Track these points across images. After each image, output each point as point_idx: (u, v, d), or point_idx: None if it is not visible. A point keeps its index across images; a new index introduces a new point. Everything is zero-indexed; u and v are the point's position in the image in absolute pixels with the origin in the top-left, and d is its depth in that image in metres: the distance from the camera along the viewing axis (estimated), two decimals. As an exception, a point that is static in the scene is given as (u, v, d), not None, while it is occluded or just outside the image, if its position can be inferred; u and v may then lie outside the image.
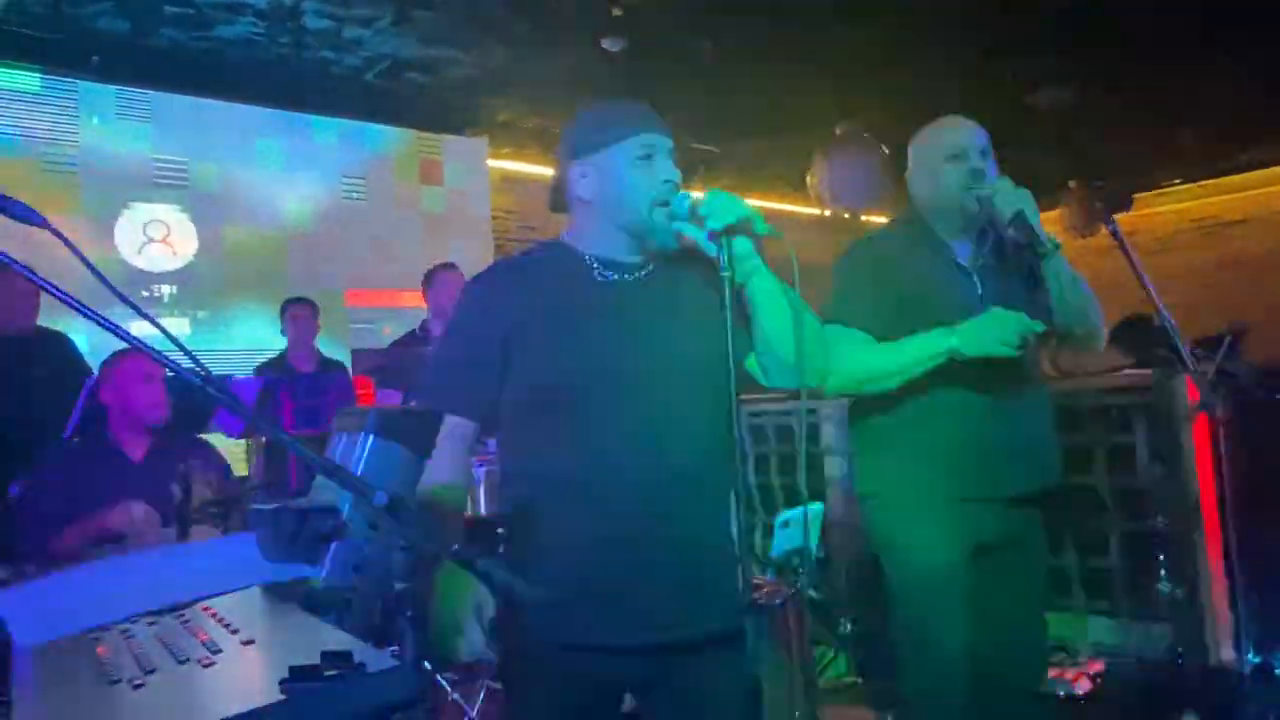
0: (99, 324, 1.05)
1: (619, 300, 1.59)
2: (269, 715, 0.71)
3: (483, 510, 3.32)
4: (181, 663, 0.86)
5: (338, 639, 0.87)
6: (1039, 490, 2.13)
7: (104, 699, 0.80)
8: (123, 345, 2.91)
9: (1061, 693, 3.27)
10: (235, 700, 0.74)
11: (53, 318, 4.04)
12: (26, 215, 1.06)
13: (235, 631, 0.95)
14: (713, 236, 1.51)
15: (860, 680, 3.61)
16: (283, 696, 0.73)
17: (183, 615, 1.06)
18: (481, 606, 1.48)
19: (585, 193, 1.62)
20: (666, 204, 1.57)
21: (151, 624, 1.03)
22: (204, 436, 3.37)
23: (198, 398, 3.73)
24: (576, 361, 1.54)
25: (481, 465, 3.28)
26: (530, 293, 1.59)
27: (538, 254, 1.70)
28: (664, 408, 1.53)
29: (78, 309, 1.05)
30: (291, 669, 0.75)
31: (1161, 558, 3.09)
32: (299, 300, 4.86)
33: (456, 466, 1.59)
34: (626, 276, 1.62)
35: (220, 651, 0.88)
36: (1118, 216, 2.33)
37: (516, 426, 1.62)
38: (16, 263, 1.09)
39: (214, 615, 1.05)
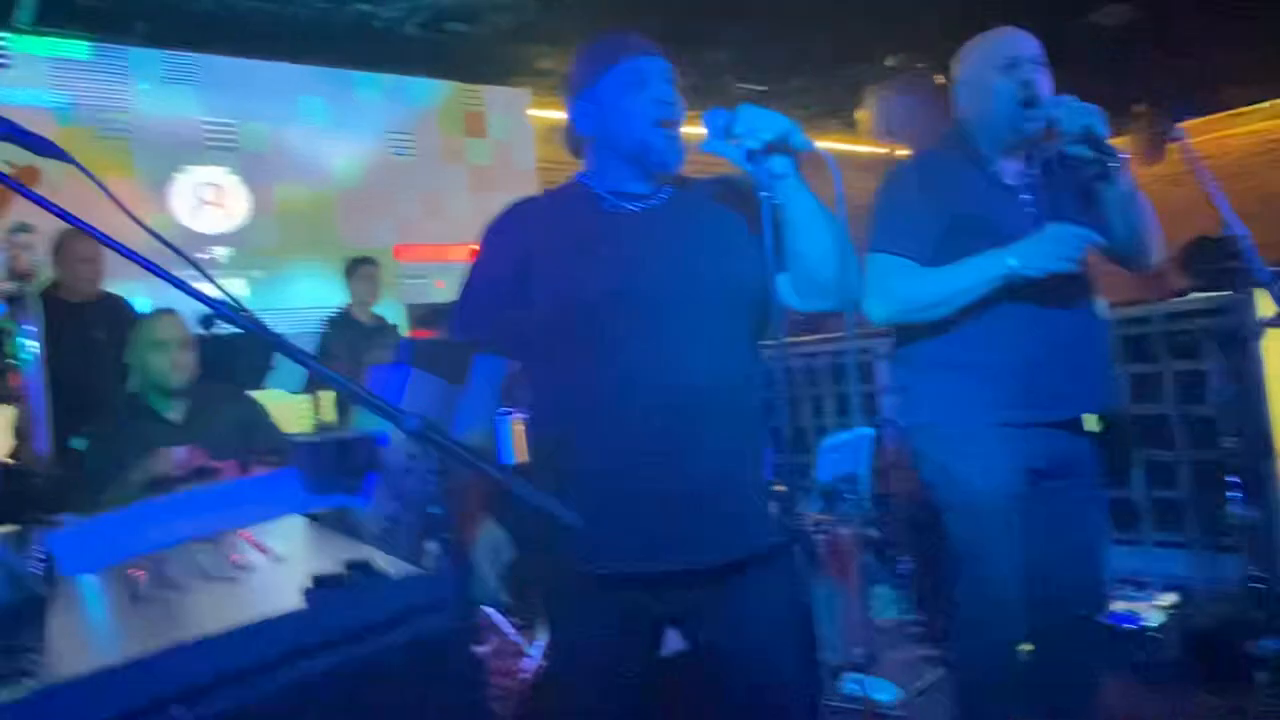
0: (161, 276, 1.05)
1: (632, 228, 1.57)
2: (291, 620, 0.70)
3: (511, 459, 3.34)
4: (212, 580, 0.86)
5: (366, 553, 0.87)
6: (1094, 413, 2.06)
7: (136, 613, 0.81)
8: (166, 306, 2.99)
9: (1132, 626, 3.20)
10: (261, 609, 0.74)
11: (113, 282, 4.14)
12: (47, 148, 1.06)
13: (268, 551, 0.96)
14: (750, 156, 1.46)
15: (918, 618, 3.57)
16: (305, 604, 0.72)
17: (220, 540, 1.07)
18: (497, 550, 1.49)
19: (586, 129, 1.61)
20: (671, 124, 1.53)
21: (189, 549, 1.04)
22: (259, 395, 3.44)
23: (248, 356, 3.82)
24: (592, 289, 1.52)
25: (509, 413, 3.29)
26: (544, 226, 1.59)
27: (553, 192, 1.71)
28: (685, 331, 1.50)
29: (143, 264, 1.05)
30: (315, 578, 0.75)
31: (1234, 481, 2.98)
32: (366, 259, 4.93)
33: (485, 402, 1.62)
34: (638, 205, 1.59)
35: (251, 570, 0.88)
36: (1187, 134, 2.19)
37: (539, 359, 1.62)
38: (84, 223, 1.08)
39: (251, 540, 1.06)
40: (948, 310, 1.97)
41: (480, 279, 1.65)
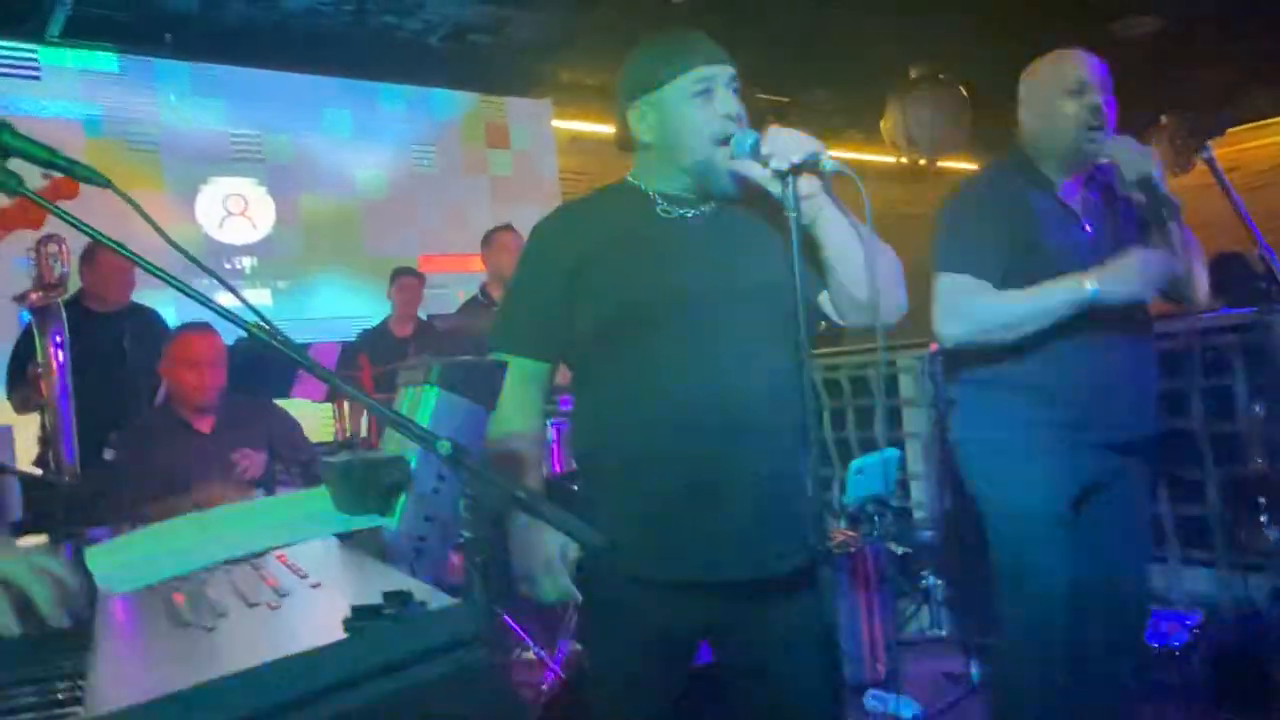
0: (184, 293, 1.07)
1: (684, 235, 1.57)
2: (330, 652, 0.71)
3: (556, 468, 3.36)
4: (251, 606, 0.87)
5: (403, 582, 0.88)
6: (1143, 435, 2.08)
7: (178, 640, 0.82)
8: (192, 320, 3.04)
9: (1159, 645, 3.16)
10: (300, 639, 0.75)
11: (143, 293, 4.19)
12: (90, 176, 1.08)
13: (305, 576, 0.97)
14: (778, 176, 1.46)
15: (944, 633, 3.55)
16: (345, 635, 0.73)
17: (256, 564, 1.08)
18: (566, 548, 1.50)
19: (644, 135, 1.60)
20: (727, 142, 1.52)
21: (228, 572, 1.05)
22: (283, 403, 3.47)
23: (277, 365, 3.85)
24: (642, 294, 1.52)
25: (555, 423, 3.30)
26: (595, 229, 1.58)
27: (602, 194, 1.69)
28: (732, 341, 1.51)
29: (166, 279, 1.07)
30: (354, 608, 0.76)
31: (1262, 501, 2.95)
32: (408, 271, 4.97)
33: (528, 412, 1.60)
34: (691, 212, 1.59)
35: (288, 595, 0.89)
36: (1212, 144, 2.20)
37: (586, 363, 1.62)
38: (108, 239, 1.11)
39: (286, 562, 1.07)
40: (1025, 332, 1.98)
41: (527, 285, 1.64)
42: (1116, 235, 2.05)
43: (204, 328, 2.95)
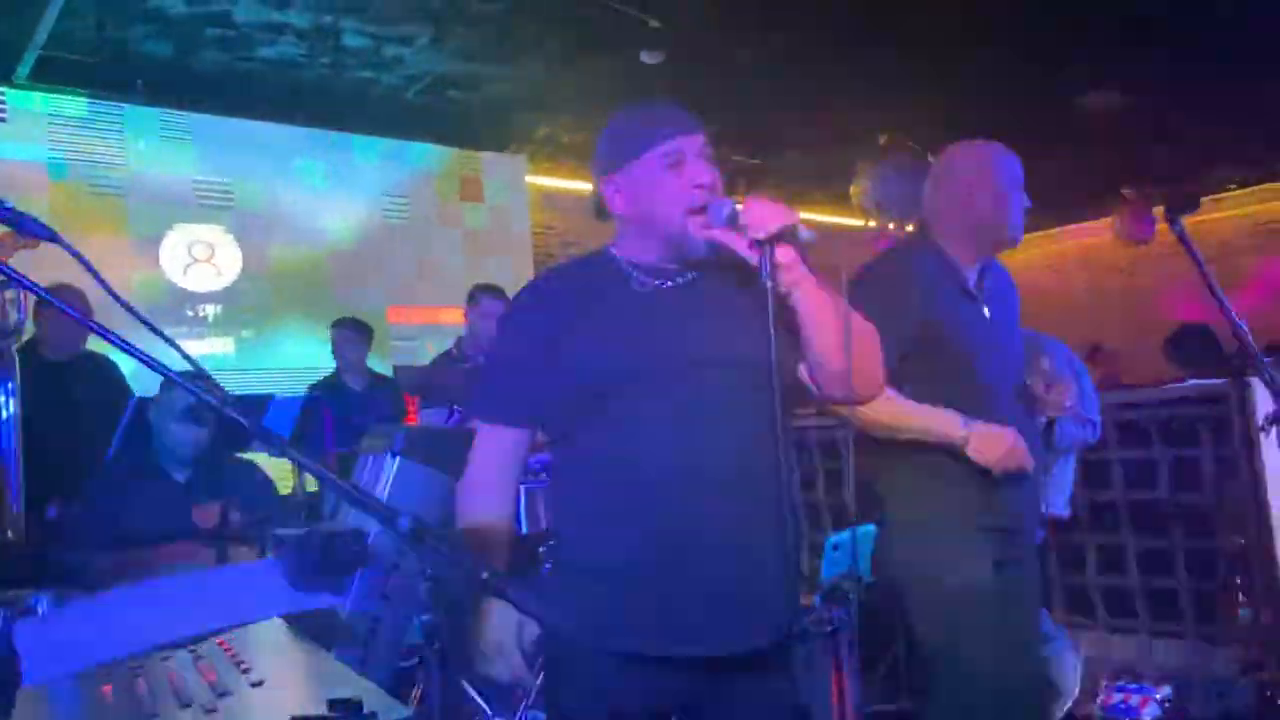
0: (129, 354, 1.03)
1: (659, 306, 1.56)
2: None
3: (523, 529, 3.28)
4: (184, 707, 0.80)
5: (352, 683, 0.81)
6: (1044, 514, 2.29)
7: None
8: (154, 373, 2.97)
9: (1129, 719, 3.12)
10: (237, 751, 0.68)
11: (99, 340, 4.09)
12: (35, 230, 1.03)
13: (247, 670, 0.90)
14: (754, 246, 1.44)
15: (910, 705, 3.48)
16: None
17: (196, 650, 1.01)
18: (524, 627, 1.46)
19: (618, 208, 1.59)
20: (702, 211, 1.50)
21: (165, 659, 0.98)
22: (249, 456, 3.37)
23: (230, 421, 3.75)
24: (616, 365, 1.51)
25: (523, 484, 3.23)
26: (572, 299, 1.57)
27: (579, 264, 1.69)
28: (707, 413, 1.49)
29: (105, 337, 1.03)
30: (294, 719, 0.69)
31: (1238, 580, 2.94)
32: (349, 321, 4.86)
33: (502, 486, 1.59)
34: (667, 283, 1.58)
35: (227, 694, 0.82)
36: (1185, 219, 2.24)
37: (562, 432, 1.60)
38: (52, 296, 1.07)
39: (228, 651, 1.00)
40: (900, 439, 2.06)
41: (505, 353, 1.64)
42: (1009, 319, 2.20)
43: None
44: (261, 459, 3.36)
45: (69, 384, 3.78)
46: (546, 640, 1.51)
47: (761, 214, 1.43)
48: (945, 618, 2.07)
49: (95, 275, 1.09)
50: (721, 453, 1.48)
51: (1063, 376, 2.75)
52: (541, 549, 3.32)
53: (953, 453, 2.03)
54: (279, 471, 4.55)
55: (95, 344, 4.06)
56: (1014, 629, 2.09)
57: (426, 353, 5.76)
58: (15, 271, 1.06)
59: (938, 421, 2.02)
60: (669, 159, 1.52)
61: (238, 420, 1.13)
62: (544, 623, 1.40)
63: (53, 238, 1.05)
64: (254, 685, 0.85)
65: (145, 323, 1.12)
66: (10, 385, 3.24)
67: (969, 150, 2.22)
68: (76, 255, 1.07)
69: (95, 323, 1.06)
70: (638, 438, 1.49)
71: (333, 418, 4.06)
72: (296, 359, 5.51)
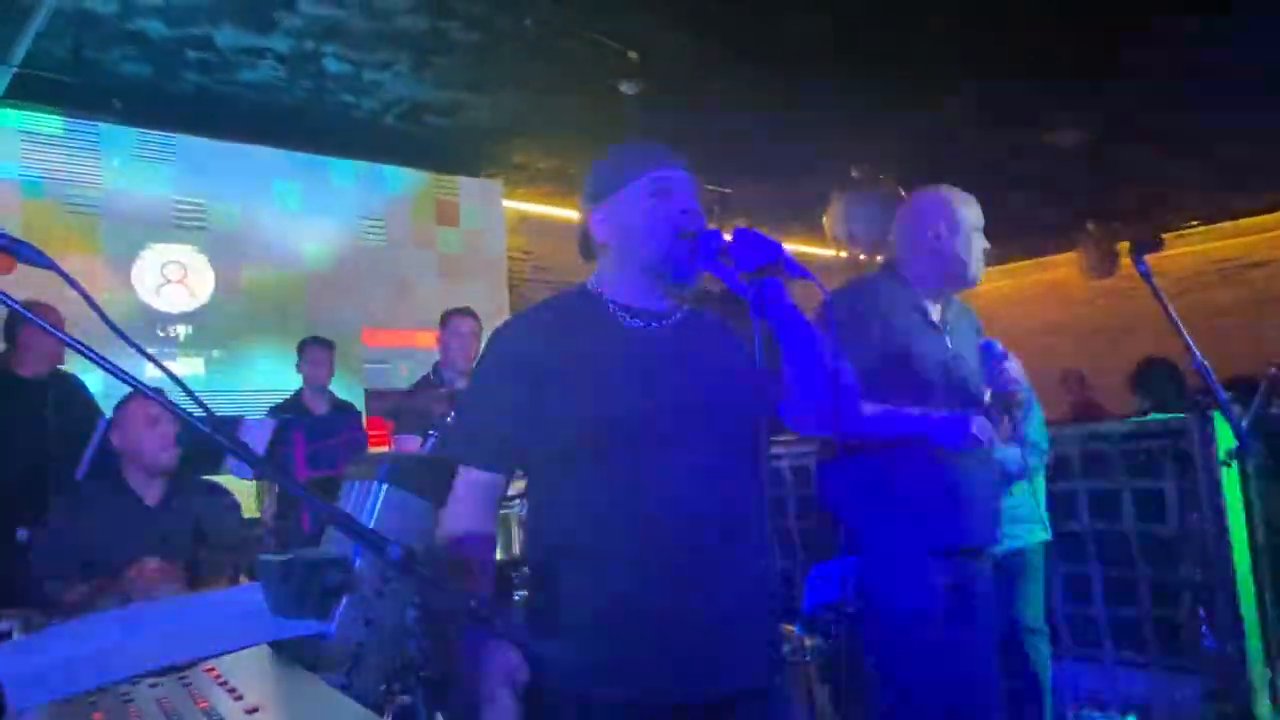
0: (106, 369, 1.03)
1: (646, 348, 1.55)
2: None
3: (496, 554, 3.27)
4: (182, 733, 0.80)
5: (346, 709, 0.82)
6: (991, 543, 2.31)
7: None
8: (123, 391, 2.94)
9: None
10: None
11: (69, 359, 4.05)
12: (33, 257, 1.04)
13: (239, 698, 0.90)
14: (743, 278, 1.47)
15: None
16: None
17: (185, 677, 1.01)
18: (516, 671, 1.42)
19: (606, 236, 1.59)
20: (692, 235, 1.53)
21: (153, 685, 0.98)
22: (216, 478, 3.34)
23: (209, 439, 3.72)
24: (605, 410, 1.49)
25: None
26: (556, 341, 1.55)
27: (562, 301, 1.66)
28: (694, 456, 1.49)
29: (86, 354, 1.04)
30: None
31: (1202, 611, 3.00)
32: (317, 341, 4.84)
33: (483, 515, 1.56)
34: (653, 324, 1.58)
35: (223, 721, 0.83)
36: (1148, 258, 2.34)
37: (544, 475, 1.58)
38: (27, 312, 1.08)
39: (218, 678, 1.00)
40: (872, 440, 2.13)
41: (486, 397, 1.60)
42: (966, 346, 2.31)
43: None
44: (227, 481, 3.33)
45: (39, 403, 3.74)
46: (531, 683, 1.45)
47: (750, 246, 1.45)
48: (896, 643, 2.14)
49: (91, 302, 1.09)
50: (708, 496, 1.48)
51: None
52: (514, 576, 3.32)
53: (911, 476, 2.12)
54: (244, 496, 4.53)
55: (66, 363, 4.02)
56: (967, 652, 2.15)
57: (400, 375, 5.74)
58: (6, 296, 1.07)
59: (904, 422, 2.12)
60: (657, 185, 1.54)
61: (224, 443, 1.14)
62: (531, 663, 1.38)
63: (51, 266, 1.06)
64: (249, 712, 0.86)
65: (135, 347, 1.13)
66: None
67: (934, 197, 2.35)
68: (75, 284, 1.08)
69: (80, 342, 1.06)
70: (621, 483, 1.47)
71: (305, 441, 4.05)
72: (268, 381, 5.46)
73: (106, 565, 2.47)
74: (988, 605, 2.30)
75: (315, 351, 4.77)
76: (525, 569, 3.16)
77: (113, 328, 1.11)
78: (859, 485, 2.21)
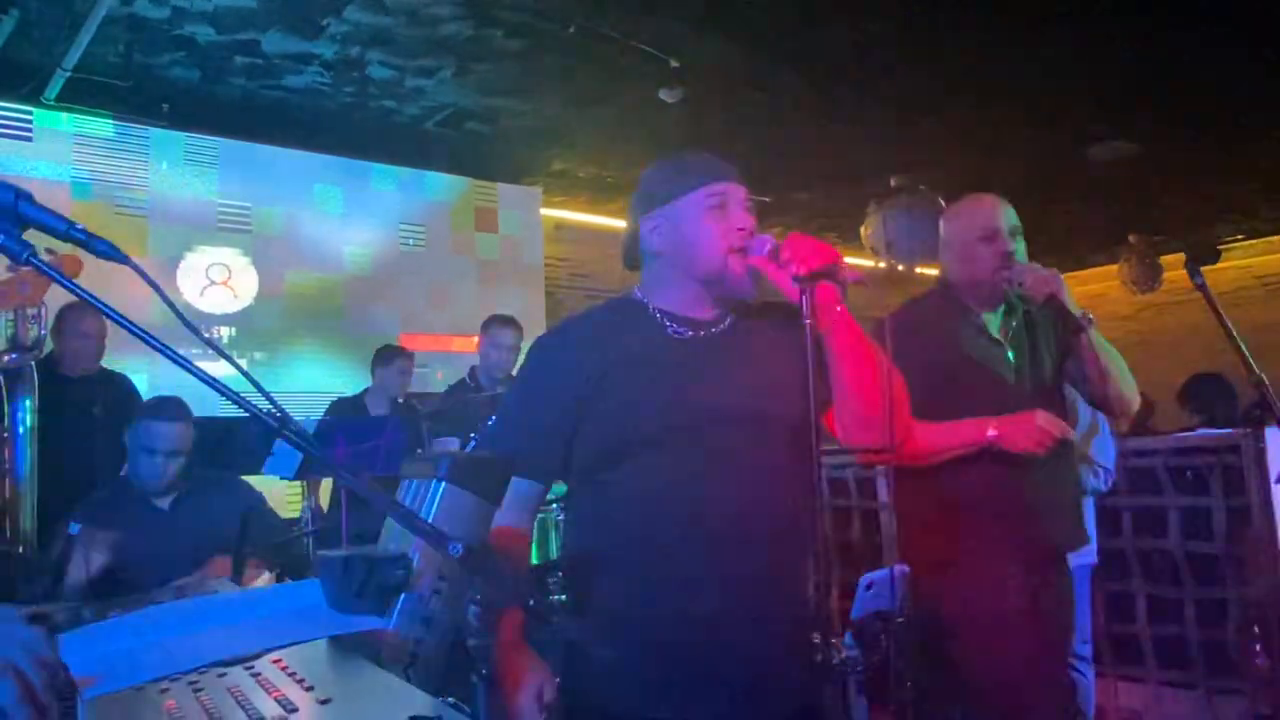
0: (170, 358, 1.05)
1: (693, 358, 1.54)
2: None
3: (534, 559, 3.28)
4: (256, 721, 0.81)
5: (419, 700, 0.82)
6: (1070, 548, 2.27)
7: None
8: (162, 396, 3.01)
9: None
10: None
11: (114, 359, 4.11)
12: (108, 252, 1.05)
13: (310, 688, 0.91)
14: (796, 282, 1.45)
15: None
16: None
17: (252, 667, 1.02)
18: (542, 690, 1.40)
19: (658, 244, 1.58)
20: (743, 251, 1.52)
21: (221, 675, 0.99)
22: (254, 480, 3.38)
23: (248, 440, 3.77)
24: (651, 421, 1.48)
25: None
26: (602, 351, 1.54)
27: (608, 311, 1.65)
28: (742, 467, 1.47)
29: (152, 344, 1.05)
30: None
31: (1256, 629, 2.94)
32: (403, 352, 4.93)
33: (521, 521, 1.56)
34: (700, 333, 1.56)
35: (296, 710, 0.84)
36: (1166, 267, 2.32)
37: (588, 484, 1.56)
38: (98, 300, 1.09)
39: (285, 669, 1.01)
40: (935, 461, 2.09)
41: (530, 408, 1.58)
42: (1036, 358, 2.22)
43: (170, 413, 2.89)
44: (265, 485, 3.37)
45: (86, 400, 3.81)
46: (565, 688, 1.44)
47: (804, 250, 1.44)
48: (978, 650, 2.08)
49: (163, 297, 1.11)
50: (755, 508, 1.46)
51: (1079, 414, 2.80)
52: (551, 580, 3.33)
53: (984, 486, 2.08)
54: (287, 493, 4.58)
55: (109, 362, 4.09)
56: (1043, 659, 2.12)
57: (437, 380, 5.77)
58: (88, 292, 1.08)
59: (966, 430, 2.08)
60: (714, 199, 1.53)
61: (293, 439, 1.16)
62: (566, 677, 1.36)
63: (125, 260, 1.08)
64: (321, 703, 0.86)
65: (206, 341, 1.15)
66: (28, 401, 3.26)
67: (950, 209, 2.34)
68: (146, 278, 1.09)
69: (135, 325, 1.06)
70: (668, 495, 1.45)
71: (346, 442, 4.07)
72: (309, 383, 5.53)
73: (122, 568, 2.52)
74: (1066, 610, 2.27)
75: (405, 362, 4.85)
76: (561, 574, 3.17)
77: (187, 324, 1.12)
78: (933, 494, 2.16)
